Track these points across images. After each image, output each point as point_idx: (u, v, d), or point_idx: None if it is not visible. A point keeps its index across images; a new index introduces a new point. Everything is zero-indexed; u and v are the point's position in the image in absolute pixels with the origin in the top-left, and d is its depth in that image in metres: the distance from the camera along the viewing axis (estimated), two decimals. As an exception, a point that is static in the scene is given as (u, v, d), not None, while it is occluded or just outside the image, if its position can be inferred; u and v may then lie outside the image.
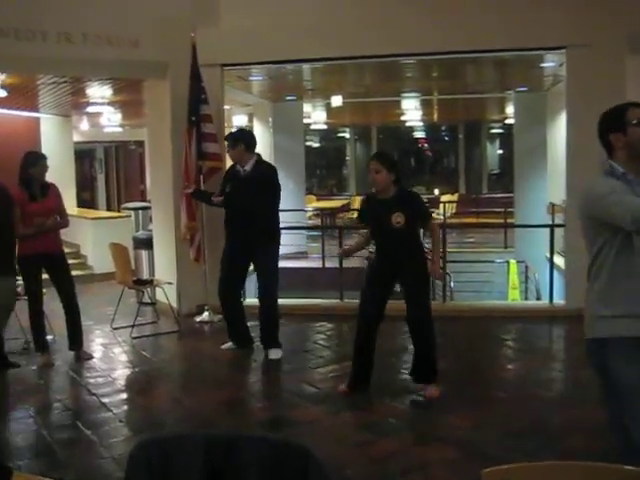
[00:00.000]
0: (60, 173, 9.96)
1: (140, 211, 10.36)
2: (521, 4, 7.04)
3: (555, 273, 8.48)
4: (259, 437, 1.92)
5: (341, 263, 8.80)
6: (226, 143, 6.38)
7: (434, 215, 16.92)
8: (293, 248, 12.08)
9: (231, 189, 6.16)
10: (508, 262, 11.76)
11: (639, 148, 2.86)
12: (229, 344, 6.44)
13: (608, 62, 6.91)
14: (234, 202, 6.10)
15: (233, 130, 6.70)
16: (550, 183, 10.79)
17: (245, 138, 6.25)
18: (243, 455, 1.82)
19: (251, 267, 6.45)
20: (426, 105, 15.83)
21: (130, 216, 10.57)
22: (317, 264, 12.20)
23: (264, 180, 6.12)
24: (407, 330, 5.33)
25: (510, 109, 15.00)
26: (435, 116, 19.17)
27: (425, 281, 5.17)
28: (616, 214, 2.71)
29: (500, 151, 22.78)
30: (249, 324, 6.47)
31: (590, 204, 2.87)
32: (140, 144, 17.97)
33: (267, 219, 6.13)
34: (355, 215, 5.76)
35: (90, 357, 6.37)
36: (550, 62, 9.11)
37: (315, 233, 14.12)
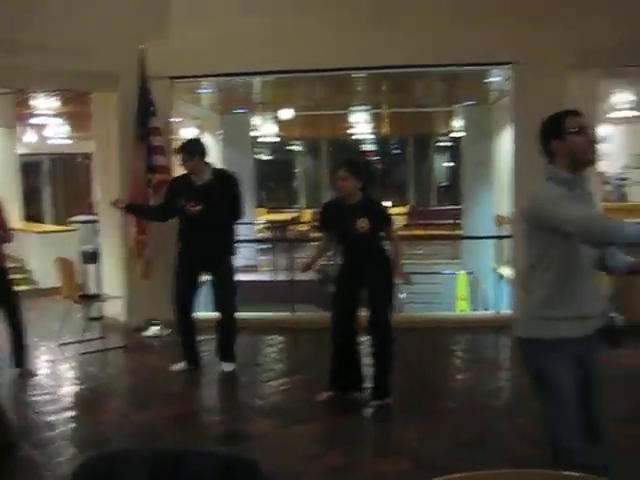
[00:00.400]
0: (4, 186, 9.75)
1: (87, 224, 10.17)
2: (469, 20, 7.17)
3: (502, 283, 8.62)
4: (207, 452, 1.90)
5: (291, 276, 8.80)
6: (180, 155, 6.10)
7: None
8: (243, 261, 12.02)
9: (187, 201, 5.93)
10: (457, 273, 11.91)
11: (578, 155, 2.97)
12: (182, 365, 6.19)
13: (551, 78, 7.09)
14: (192, 214, 5.88)
15: (181, 142, 6.51)
16: (497, 195, 10.99)
17: (199, 148, 6.13)
18: (191, 471, 1.79)
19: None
20: (376, 118, 15.97)
21: (77, 230, 10.37)
22: (268, 277, 12.17)
23: (224, 190, 6.07)
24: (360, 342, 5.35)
25: (458, 122, 15.25)
26: (384, 129, 19.35)
27: (389, 287, 5.23)
28: (563, 221, 2.81)
29: (448, 164, 23.10)
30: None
31: (537, 208, 2.97)
32: (88, 156, 17.66)
33: (227, 231, 6.10)
34: (316, 221, 5.76)
35: (34, 375, 6.22)
36: (496, 77, 9.31)
37: (265, 246, 14.08)
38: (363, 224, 4.99)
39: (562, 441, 2.97)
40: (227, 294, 6.17)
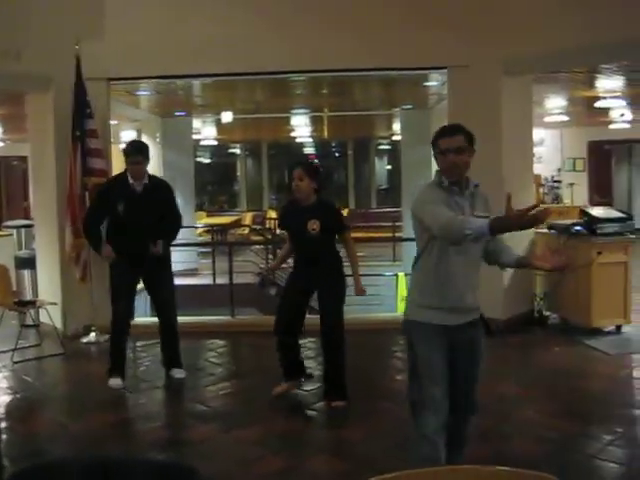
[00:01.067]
0: None
1: (22, 229, 9.93)
2: (405, 24, 7.27)
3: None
4: (143, 460, 1.88)
5: (231, 279, 8.75)
6: (133, 157, 5.73)
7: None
8: (183, 265, 11.91)
9: (127, 207, 5.70)
10: (397, 275, 12.03)
11: (444, 172, 3.35)
12: (119, 381, 5.81)
13: (485, 82, 7.25)
14: (133, 221, 5.68)
15: (132, 142, 6.25)
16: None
17: (148, 151, 5.99)
18: (127, 479, 1.78)
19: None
20: (316, 122, 16.03)
21: (12, 235, 10.12)
22: (208, 281, 12.08)
23: (165, 196, 5.99)
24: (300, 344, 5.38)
25: (397, 126, 15.42)
26: (325, 132, 19.42)
27: (340, 290, 5.25)
28: (429, 222, 3.17)
29: (388, 167, 23.34)
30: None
31: (414, 207, 3.35)
32: (23, 160, 17.24)
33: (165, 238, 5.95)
34: (275, 223, 5.80)
35: None
36: (434, 81, 9.46)
37: (206, 250, 13.97)
38: (314, 226, 5.03)
39: (415, 406, 3.47)
40: (171, 301, 6.07)
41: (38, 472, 1.83)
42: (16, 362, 6.70)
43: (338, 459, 4.28)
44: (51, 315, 7.22)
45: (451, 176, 3.33)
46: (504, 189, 7.26)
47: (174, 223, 6.05)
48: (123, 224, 5.71)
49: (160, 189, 5.99)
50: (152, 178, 6.02)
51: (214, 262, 11.80)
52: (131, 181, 5.78)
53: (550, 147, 16.22)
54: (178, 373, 6.05)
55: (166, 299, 6.06)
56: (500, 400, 5.34)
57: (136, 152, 5.81)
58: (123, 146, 6.17)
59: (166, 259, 6.05)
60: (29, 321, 7.78)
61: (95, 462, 1.79)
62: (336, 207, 5.68)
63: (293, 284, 5.35)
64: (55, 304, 7.34)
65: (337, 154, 23.83)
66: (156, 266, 5.87)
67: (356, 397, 5.44)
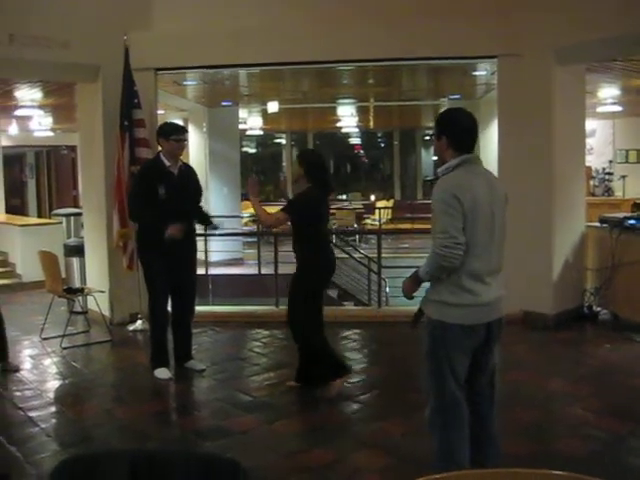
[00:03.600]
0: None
1: (71, 217, 10.11)
2: (455, 13, 7.14)
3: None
4: (187, 452, 1.87)
5: (276, 269, 8.75)
6: (174, 135, 5.62)
7: (369, 221, 17.15)
8: (229, 255, 11.99)
9: (167, 191, 5.58)
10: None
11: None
12: (166, 372, 5.81)
13: (537, 72, 7.08)
14: (174, 206, 5.55)
15: (172, 123, 6.20)
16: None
17: None
18: (171, 471, 1.77)
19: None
20: (362, 112, 15.95)
21: (61, 223, 10.30)
22: (253, 271, 12.12)
23: (196, 179, 6.01)
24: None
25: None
26: (371, 123, 19.33)
27: (298, 280, 5.31)
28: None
29: (434, 157, 23.12)
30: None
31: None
32: (72, 149, 17.56)
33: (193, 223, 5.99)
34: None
35: (17, 369, 6.16)
36: (482, 71, 9.30)
37: (251, 239, 14.02)
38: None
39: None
40: (194, 294, 6.06)
41: (84, 462, 1.83)
42: (65, 348, 6.82)
43: (382, 453, 4.24)
44: (99, 302, 7.32)
45: None
46: (555, 182, 7.13)
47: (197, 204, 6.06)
48: (162, 208, 5.55)
49: (192, 172, 6.01)
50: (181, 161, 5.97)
51: (259, 252, 11.82)
52: (167, 163, 5.69)
53: (602, 138, 15.83)
54: (200, 365, 6.06)
55: (193, 292, 6.04)
56: (547, 396, 5.24)
57: (182, 130, 5.83)
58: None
59: (196, 245, 6.06)
60: (77, 308, 7.91)
61: (140, 454, 1.78)
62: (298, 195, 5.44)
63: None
64: (103, 292, 7.45)
65: (383, 144, 23.69)
66: (188, 251, 5.84)
67: (399, 391, 5.40)
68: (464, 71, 9.54)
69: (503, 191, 3.42)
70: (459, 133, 3.35)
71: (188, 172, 5.92)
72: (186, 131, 5.98)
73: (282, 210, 5.18)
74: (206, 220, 6.06)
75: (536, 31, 6.97)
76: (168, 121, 6.42)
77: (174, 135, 5.63)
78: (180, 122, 13.53)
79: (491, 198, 3.28)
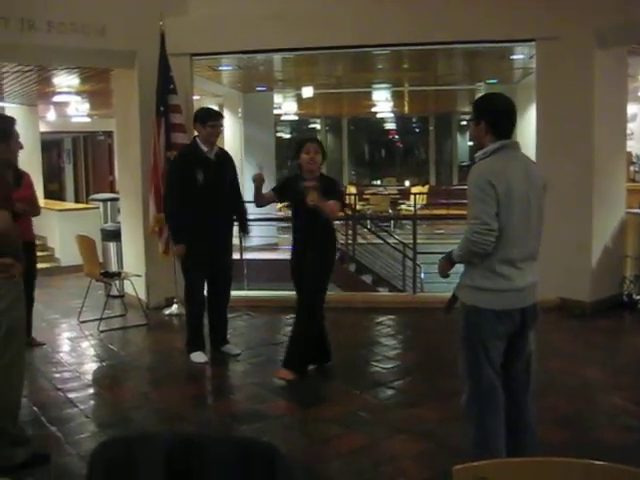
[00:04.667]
0: (27, 164, 9.73)
1: (108, 202, 10.22)
2: (491, -4, 7.04)
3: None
4: (224, 436, 1.88)
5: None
6: (211, 121, 5.64)
7: (404, 207, 17.04)
8: (264, 240, 12.02)
9: (205, 176, 5.59)
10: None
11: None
12: (202, 355, 5.87)
13: (577, 56, 6.95)
14: (212, 191, 5.59)
15: (206, 108, 6.16)
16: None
17: None
18: (208, 455, 1.77)
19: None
20: (397, 97, 15.82)
21: (98, 208, 10.43)
22: (287, 256, 12.11)
23: (233, 165, 6.01)
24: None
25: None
26: (406, 108, 19.17)
27: (324, 265, 5.35)
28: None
29: (470, 143, 22.87)
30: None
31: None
32: (109, 134, 17.74)
33: (234, 209, 5.99)
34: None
35: (41, 344, 6.35)
36: (520, 54, 9.16)
37: (286, 224, 14.03)
38: (312, 198, 5.03)
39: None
40: (230, 277, 6.07)
41: (122, 444, 1.85)
42: (102, 331, 6.92)
43: (417, 439, 4.22)
44: (135, 286, 7.41)
45: None
46: (594, 168, 7.00)
47: (243, 203, 6.15)
48: (200, 194, 5.58)
49: (229, 158, 6.01)
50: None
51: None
52: (205, 149, 5.70)
53: (642, 123, 15.49)
54: (235, 349, 6.09)
55: (229, 275, 6.05)
56: (585, 385, 5.17)
57: (219, 116, 5.85)
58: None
59: (232, 231, 6.05)
60: (114, 292, 8.01)
61: (177, 438, 1.79)
62: (336, 181, 5.81)
63: (294, 263, 5.50)
64: (139, 276, 7.53)
65: (418, 129, 23.50)
66: (224, 237, 5.85)
67: (435, 377, 5.38)
68: (501, 55, 9.40)
69: (541, 178, 3.38)
70: (498, 118, 3.31)
71: (225, 157, 5.93)
72: (222, 117, 6.00)
73: (340, 199, 5.39)
74: (244, 224, 6.09)
75: (576, 13, 6.83)
76: (204, 107, 6.43)
77: (211, 121, 5.65)
78: (215, 107, 13.59)
79: (527, 185, 3.25)
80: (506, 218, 3.17)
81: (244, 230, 6.12)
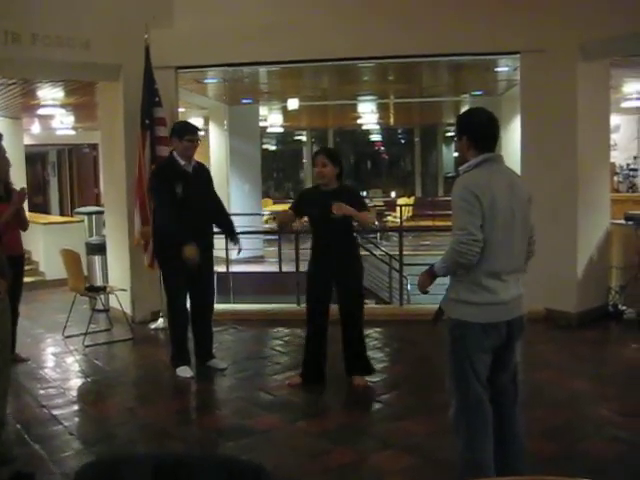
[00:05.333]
0: (11, 176, 9.70)
1: (93, 216, 10.15)
2: (476, 9, 7.07)
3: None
4: (210, 456, 1.85)
5: (297, 267, 8.74)
6: (189, 135, 5.64)
7: (390, 218, 17.06)
8: (249, 252, 11.98)
9: (184, 189, 5.56)
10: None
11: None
12: (188, 370, 5.84)
13: (561, 68, 7.00)
14: (192, 204, 5.56)
15: (183, 122, 6.16)
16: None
17: None
18: (194, 475, 1.75)
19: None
20: (382, 108, 15.87)
21: (83, 221, 10.36)
22: (274, 268, 12.11)
23: (210, 177, 6.03)
24: (366, 334, 5.34)
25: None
26: (391, 119, 19.24)
27: (357, 274, 5.40)
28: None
29: (456, 154, 22.97)
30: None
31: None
32: (94, 147, 17.66)
33: (219, 219, 6.01)
34: (289, 206, 5.75)
35: (25, 360, 6.32)
36: (504, 67, 9.21)
37: (272, 237, 14.02)
38: (337, 208, 5.02)
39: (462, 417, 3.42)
40: (213, 290, 6.07)
41: (106, 466, 1.82)
42: (87, 346, 6.86)
43: (404, 454, 4.20)
44: (121, 301, 7.35)
45: None
46: (579, 179, 7.04)
47: (227, 214, 6.17)
48: (180, 207, 5.52)
49: (205, 170, 6.02)
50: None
51: (280, 250, 11.81)
52: (182, 162, 5.68)
53: (626, 134, 15.63)
54: (222, 363, 6.05)
55: (211, 288, 6.04)
56: (572, 397, 5.17)
57: (195, 130, 5.81)
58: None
59: (212, 243, 6.02)
60: (99, 306, 7.93)
61: (164, 458, 1.77)
62: (357, 190, 5.87)
63: (314, 275, 5.39)
64: (125, 290, 7.48)
65: (403, 141, 23.58)
66: (205, 249, 5.77)
67: (420, 390, 5.37)
68: (486, 67, 9.45)
69: (526, 191, 3.39)
70: (480, 133, 3.34)
71: (202, 170, 5.94)
72: (199, 130, 5.97)
73: (366, 209, 5.30)
74: (233, 235, 6.03)
75: (560, 26, 6.89)
76: (181, 120, 6.43)
77: (188, 135, 5.65)
78: (201, 120, 13.60)
79: (511, 198, 3.26)
80: (490, 231, 3.18)
81: (234, 240, 6.04)
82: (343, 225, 5.18)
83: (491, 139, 3.36)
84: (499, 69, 9.54)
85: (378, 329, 7.29)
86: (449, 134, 22.02)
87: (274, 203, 19.97)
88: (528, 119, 7.36)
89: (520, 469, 3.35)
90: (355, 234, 5.41)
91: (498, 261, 3.23)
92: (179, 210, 5.51)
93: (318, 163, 5.23)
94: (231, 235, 6.04)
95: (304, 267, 9.04)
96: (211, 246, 5.96)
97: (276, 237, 13.19)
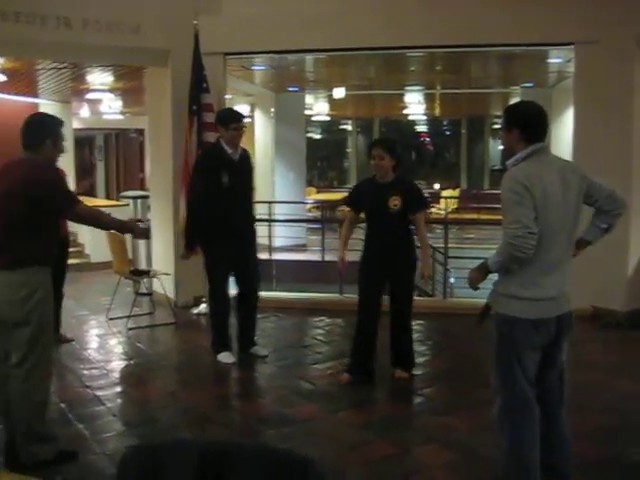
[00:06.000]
0: (59, 160, 9.84)
1: (138, 200, 10.23)
2: (529, -1, 6.92)
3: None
4: (257, 446, 1.83)
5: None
6: (235, 123, 5.60)
7: (434, 210, 16.89)
8: (292, 240, 11.98)
9: (230, 178, 5.57)
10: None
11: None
12: (230, 356, 5.86)
13: (617, 60, 6.80)
14: (237, 192, 5.60)
15: (230, 109, 6.18)
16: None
17: None
18: (240, 466, 1.72)
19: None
20: (429, 99, 15.71)
21: (128, 205, 10.44)
22: (316, 257, 12.09)
23: (252, 164, 6.05)
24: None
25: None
26: (438, 110, 19.04)
27: (412, 269, 5.31)
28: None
29: (502, 147, 22.67)
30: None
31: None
32: (141, 132, 17.80)
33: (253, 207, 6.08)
34: (344, 198, 5.71)
35: (69, 340, 6.39)
36: (556, 58, 9.01)
37: (315, 226, 13.99)
38: (396, 202, 5.00)
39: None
40: (257, 276, 6.01)
41: (153, 451, 1.81)
42: (130, 329, 6.93)
43: (445, 449, 4.14)
44: (164, 285, 7.41)
45: None
46: (633, 174, 6.84)
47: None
48: (225, 195, 5.54)
49: (249, 158, 6.01)
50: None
51: (323, 238, 11.78)
52: (229, 150, 5.66)
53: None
54: (263, 350, 6.05)
55: (255, 275, 5.99)
56: (622, 399, 5.03)
57: (241, 118, 5.77)
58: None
59: (255, 231, 6.01)
60: (143, 290, 8.02)
61: (209, 447, 1.75)
62: (416, 184, 5.65)
63: (369, 269, 5.28)
64: (168, 274, 7.53)
65: (449, 132, 23.33)
66: (249, 237, 5.81)
67: (465, 385, 5.29)
68: (538, 58, 9.25)
69: (578, 174, 3.27)
70: (531, 126, 3.25)
71: (247, 158, 5.94)
72: (244, 117, 5.94)
73: (428, 206, 5.27)
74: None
75: (616, 17, 6.70)
76: (226, 108, 6.41)
77: (233, 123, 5.62)
78: (247, 107, 13.60)
79: (563, 189, 3.16)
80: (542, 223, 3.08)
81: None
82: (399, 218, 5.09)
83: (541, 132, 3.27)
84: (551, 60, 9.33)
85: (420, 321, 7.20)
86: (496, 126, 21.69)
87: (318, 192, 19.96)
88: (581, 112, 7.17)
89: (567, 472, 3.27)
90: (410, 227, 5.28)
91: (549, 254, 3.13)
92: (223, 198, 5.52)
93: (375, 156, 5.10)
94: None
95: (347, 256, 9.03)
96: (254, 233, 5.96)
97: (319, 226, 13.17)
